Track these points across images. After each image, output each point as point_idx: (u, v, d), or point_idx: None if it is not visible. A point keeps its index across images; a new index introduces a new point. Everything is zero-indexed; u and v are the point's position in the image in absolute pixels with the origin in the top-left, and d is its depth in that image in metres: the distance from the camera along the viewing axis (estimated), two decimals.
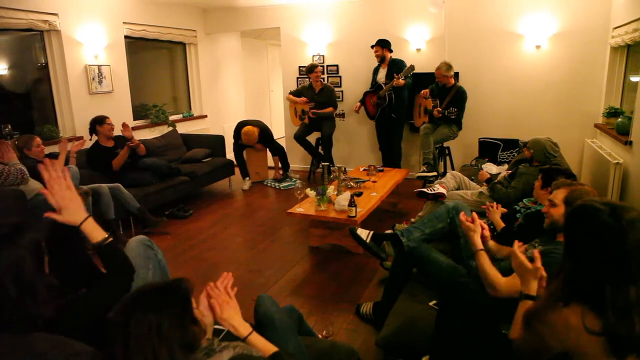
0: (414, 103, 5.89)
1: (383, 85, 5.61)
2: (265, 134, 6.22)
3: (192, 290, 1.25)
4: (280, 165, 6.51)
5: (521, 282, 1.64)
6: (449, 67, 5.11)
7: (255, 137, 6.03)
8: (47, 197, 1.52)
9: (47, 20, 4.76)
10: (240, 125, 6.16)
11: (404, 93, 5.61)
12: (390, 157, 5.98)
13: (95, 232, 1.54)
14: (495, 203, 2.98)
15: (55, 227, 1.64)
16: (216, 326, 1.55)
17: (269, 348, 1.45)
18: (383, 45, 5.59)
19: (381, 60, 5.63)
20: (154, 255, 1.87)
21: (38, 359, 1.20)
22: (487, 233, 2.26)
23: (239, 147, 6.21)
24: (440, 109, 5.13)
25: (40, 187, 3.97)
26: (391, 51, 5.66)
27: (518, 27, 5.46)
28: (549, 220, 2.05)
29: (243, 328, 1.46)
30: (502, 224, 2.78)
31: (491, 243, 2.39)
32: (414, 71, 5.40)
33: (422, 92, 5.38)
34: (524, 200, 2.97)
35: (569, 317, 1.27)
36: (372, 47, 5.65)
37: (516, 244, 1.75)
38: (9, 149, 3.83)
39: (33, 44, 5.02)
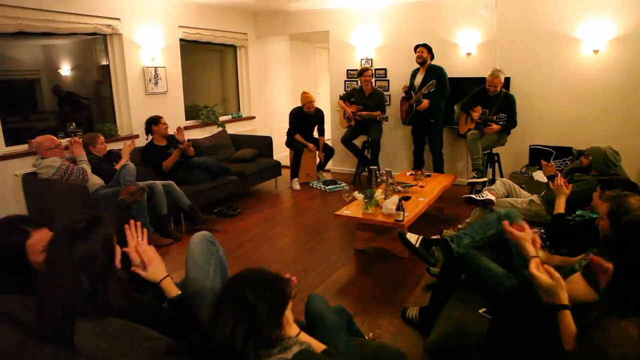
0: (453, 109, 5.86)
1: (413, 94, 5.61)
2: (319, 112, 6.41)
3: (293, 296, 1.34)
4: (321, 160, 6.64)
5: (551, 296, 1.63)
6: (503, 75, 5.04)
7: (313, 98, 6.24)
8: (130, 255, 1.68)
9: (110, 25, 5.02)
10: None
11: (439, 100, 5.60)
12: (420, 160, 6.07)
13: (172, 289, 1.68)
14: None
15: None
16: None
17: (318, 346, 1.48)
18: (429, 48, 5.57)
19: (421, 63, 5.59)
20: (215, 252, 1.95)
21: (113, 341, 1.30)
22: (538, 242, 2.22)
23: (299, 147, 6.32)
24: (480, 115, 5.11)
25: (100, 182, 4.21)
26: (432, 57, 5.64)
27: (574, 30, 5.28)
28: (601, 232, 2.08)
29: (291, 329, 1.50)
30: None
31: (541, 253, 2.35)
32: (451, 76, 5.49)
33: (475, 116, 5.31)
34: (577, 211, 2.89)
35: (628, 328, 1.27)
36: (416, 48, 5.60)
37: (533, 263, 1.72)
38: (80, 146, 4.10)
39: (95, 46, 5.30)
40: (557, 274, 1.61)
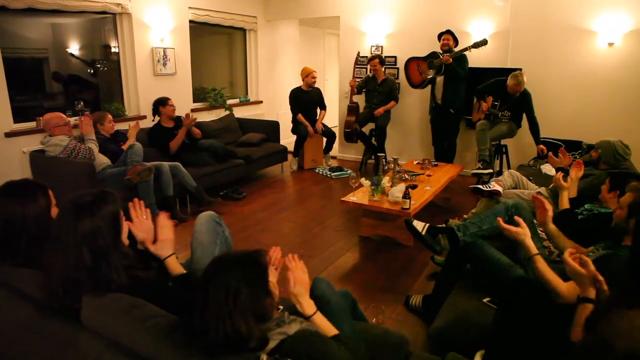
0: (471, 98, 5.77)
1: (440, 55, 5.45)
2: (317, 91, 6.60)
3: (269, 263, 1.30)
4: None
5: (578, 286, 1.62)
6: None
7: (314, 69, 6.44)
8: (132, 230, 1.67)
9: (120, 4, 4.98)
10: None
11: (459, 86, 5.51)
12: (444, 152, 5.90)
13: (176, 268, 1.66)
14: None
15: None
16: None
17: (331, 330, 1.48)
18: (454, 36, 5.48)
19: (447, 51, 5.47)
20: (221, 232, 1.96)
21: (121, 317, 1.30)
22: (550, 212, 2.22)
23: (303, 134, 6.36)
24: (489, 107, 5.04)
25: (107, 162, 4.22)
26: (457, 44, 5.54)
27: (589, 22, 5.20)
28: (615, 221, 2.05)
29: (308, 307, 1.49)
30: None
31: (552, 227, 2.33)
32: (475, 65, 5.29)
33: (484, 106, 5.23)
34: (586, 205, 2.87)
35: (635, 319, 1.25)
36: (440, 36, 5.50)
37: (567, 252, 1.70)
38: (89, 123, 4.10)
39: (103, 26, 5.27)
40: (593, 267, 1.55)
